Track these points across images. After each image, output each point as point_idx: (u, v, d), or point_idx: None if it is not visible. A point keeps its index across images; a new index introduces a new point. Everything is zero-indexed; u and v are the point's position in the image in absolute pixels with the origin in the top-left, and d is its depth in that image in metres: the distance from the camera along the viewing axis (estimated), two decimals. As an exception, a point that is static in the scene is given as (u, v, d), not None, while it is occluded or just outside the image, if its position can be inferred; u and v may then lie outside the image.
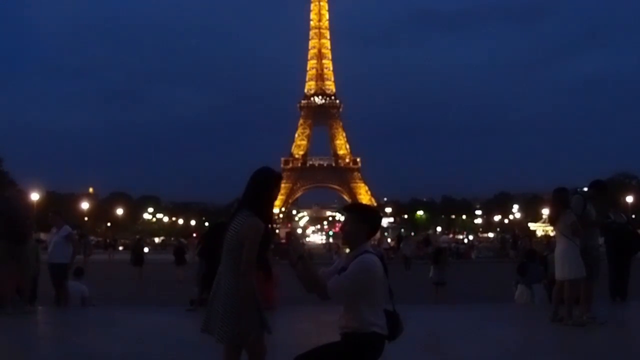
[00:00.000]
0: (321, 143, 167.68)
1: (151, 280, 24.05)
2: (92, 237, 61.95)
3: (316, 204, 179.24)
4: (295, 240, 3.93)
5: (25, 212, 10.88)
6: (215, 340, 4.01)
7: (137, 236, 41.51)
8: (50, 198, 75.22)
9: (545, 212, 67.93)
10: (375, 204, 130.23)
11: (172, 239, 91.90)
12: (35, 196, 59.97)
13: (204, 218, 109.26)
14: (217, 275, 4.10)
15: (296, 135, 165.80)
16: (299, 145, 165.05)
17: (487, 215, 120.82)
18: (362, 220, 3.92)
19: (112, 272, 27.40)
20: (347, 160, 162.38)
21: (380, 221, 4.09)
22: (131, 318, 10.29)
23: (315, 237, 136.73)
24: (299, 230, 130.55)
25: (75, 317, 10.88)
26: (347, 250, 4.00)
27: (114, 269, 30.23)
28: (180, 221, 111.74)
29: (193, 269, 16.34)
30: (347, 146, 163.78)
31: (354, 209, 4.05)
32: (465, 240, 73.91)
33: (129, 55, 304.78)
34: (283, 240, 4.04)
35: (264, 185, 4.09)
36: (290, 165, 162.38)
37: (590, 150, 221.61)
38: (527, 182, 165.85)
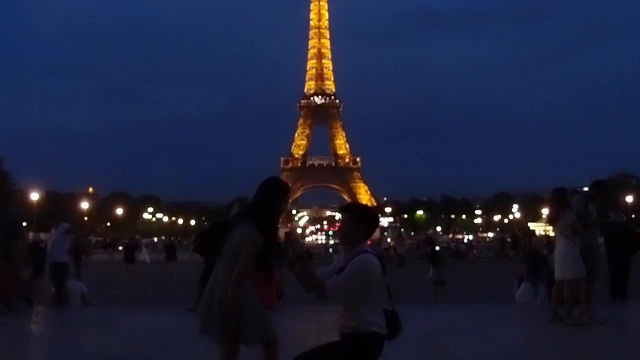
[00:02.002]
0: (321, 143, 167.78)
1: (145, 278, 24.35)
2: (91, 237, 62.00)
3: (316, 204, 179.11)
4: (294, 240, 3.92)
5: (16, 210, 11.01)
6: (214, 341, 4.03)
7: (136, 236, 42.75)
8: (50, 198, 75.25)
9: (545, 212, 67.96)
10: (375, 204, 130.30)
11: (172, 238, 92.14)
12: (35, 196, 60.03)
13: (204, 218, 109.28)
14: (214, 277, 4.08)
15: (296, 135, 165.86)
16: (299, 145, 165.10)
17: (487, 215, 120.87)
18: (359, 220, 3.91)
19: (112, 272, 27.43)
20: (347, 160, 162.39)
21: (377, 221, 4.09)
22: (131, 318, 10.28)
23: (314, 237, 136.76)
24: (299, 230, 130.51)
25: (75, 317, 10.88)
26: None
27: (114, 269, 30.24)
28: (180, 221, 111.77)
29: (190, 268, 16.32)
30: (347, 146, 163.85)
31: (351, 210, 4.04)
32: (465, 240, 73.98)
33: (129, 55, 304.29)
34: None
35: (270, 197, 4.04)
36: (290, 165, 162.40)
37: (590, 150, 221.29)
38: (527, 182, 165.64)
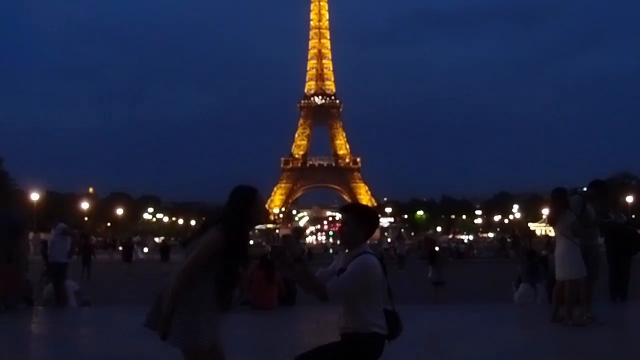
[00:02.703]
0: (321, 143, 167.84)
1: (144, 278, 24.57)
2: (91, 237, 62.07)
3: (316, 204, 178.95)
4: (292, 242, 3.91)
5: (19, 211, 11.10)
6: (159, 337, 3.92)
7: (130, 236, 45.44)
8: (50, 198, 75.20)
9: (545, 212, 67.94)
10: (375, 204, 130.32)
11: (172, 238, 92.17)
12: (35, 196, 60.01)
13: (204, 218, 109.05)
14: (170, 276, 4.02)
15: (296, 135, 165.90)
16: (299, 145, 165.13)
17: (487, 215, 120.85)
18: (359, 220, 3.90)
19: (111, 272, 27.46)
20: (347, 160, 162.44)
21: (378, 222, 4.08)
22: (131, 318, 10.27)
23: (314, 237, 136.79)
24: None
25: (75, 317, 10.89)
26: (347, 251, 3.99)
27: (113, 268, 30.29)
28: (180, 221, 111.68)
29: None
30: (347, 146, 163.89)
31: (351, 210, 4.03)
32: (465, 240, 73.94)
33: (129, 55, 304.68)
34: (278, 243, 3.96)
35: (238, 204, 3.98)
36: (290, 165, 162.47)
37: (590, 150, 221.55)
38: (527, 182, 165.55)
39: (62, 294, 11.45)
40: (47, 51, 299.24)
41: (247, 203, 3.98)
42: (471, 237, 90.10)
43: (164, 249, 32.41)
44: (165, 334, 3.81)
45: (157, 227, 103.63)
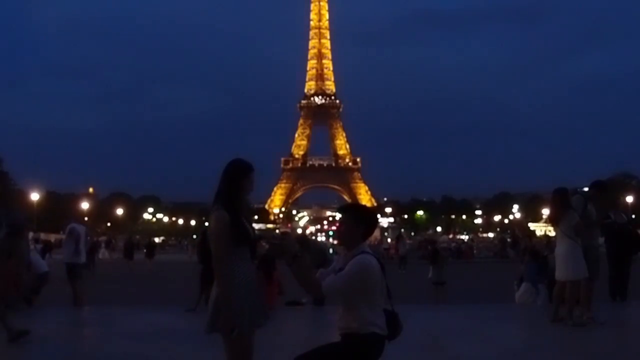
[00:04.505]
0: (321, 143, 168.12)
1: (143, 277, 24.75)
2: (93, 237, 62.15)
3: (316, 204, 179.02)
4: (289, 239, 3.90)
5: (20, 212, 11.19)
6: (206, 330, 4.02)
7: (131, 235, 46.58)
8: (50, 198, 75.24)
9: (546, 212, 67.93)
10: (375, 204, 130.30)
11: (173, 238, 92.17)
12: (35, 196, 60.03)
13: (204, 218, 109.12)
14: None
15: (296, 135, 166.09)
16: (299, 145, 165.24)
17: (487, 215, 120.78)
18: (357, 220, 3.90)
19: (111, 272, 27.47)
20: (347, 160, 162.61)
21: (376, 221, 4.07)
22: (131, 318, 10.29)
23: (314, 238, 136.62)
24: (299, 230, 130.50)
25: (75, 317, 10.89)
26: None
27: (114, 268, 30.30)
28: (180, 221, 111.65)
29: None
30: (347, 146, 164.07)
31: (349, 209, 4.03)
32: (465, 240, 73.94)
33: (129, 55, 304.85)
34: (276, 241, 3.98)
35: (231, 177, 4.09)
36: (290, 165, 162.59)
37: (590, 150, 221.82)
38: (527, 182, 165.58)
39: (76, 294, 11.55)
40: (47, 51, 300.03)
41: (241, 176, 4.09)
42: (470, 237, 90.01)
43: (149, 247, 33.70)
44: (233, 328, 3.87)
45: (157, 227, 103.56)
